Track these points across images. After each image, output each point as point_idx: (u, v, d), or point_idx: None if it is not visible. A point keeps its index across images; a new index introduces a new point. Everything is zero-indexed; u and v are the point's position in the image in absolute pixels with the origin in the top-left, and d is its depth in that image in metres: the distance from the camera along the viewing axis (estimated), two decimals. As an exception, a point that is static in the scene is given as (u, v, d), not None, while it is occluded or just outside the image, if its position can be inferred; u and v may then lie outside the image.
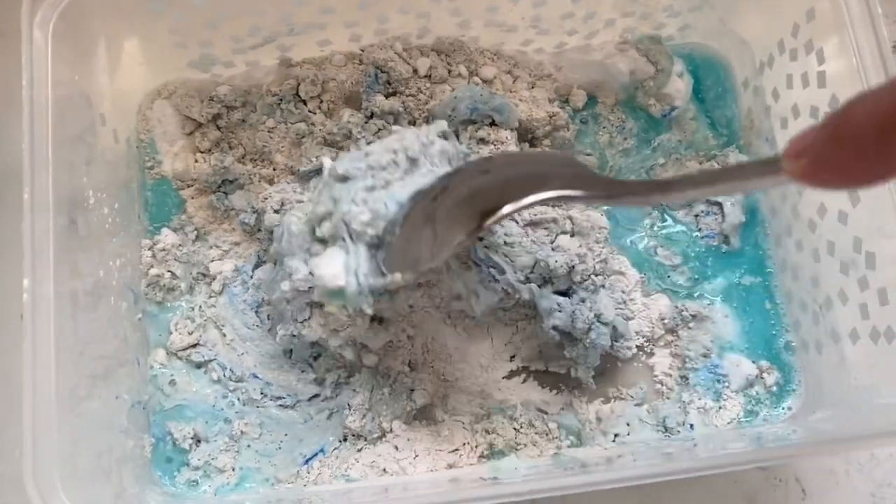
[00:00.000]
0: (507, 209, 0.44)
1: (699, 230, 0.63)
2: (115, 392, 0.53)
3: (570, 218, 0.58)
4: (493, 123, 0.59)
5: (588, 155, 0.63)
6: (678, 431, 0.58)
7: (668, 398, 0.59)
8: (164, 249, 0.60)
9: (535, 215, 0.57)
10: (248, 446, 0.57)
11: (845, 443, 0.50)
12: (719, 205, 0.62)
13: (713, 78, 0.65)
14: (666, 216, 0.63)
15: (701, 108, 0.65)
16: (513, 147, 0.59)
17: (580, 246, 0.56)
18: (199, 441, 0.57)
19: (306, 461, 0.57)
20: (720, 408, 0.59)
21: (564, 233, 0.57)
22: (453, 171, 0.51)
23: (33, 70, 0.48)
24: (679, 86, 0.64)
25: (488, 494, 0.45)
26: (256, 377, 0.58)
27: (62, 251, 0.48)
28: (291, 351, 0.58)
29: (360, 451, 0.56)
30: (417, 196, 0.49)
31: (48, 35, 0.49)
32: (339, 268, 0.48)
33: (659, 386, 0.59)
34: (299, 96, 0.61)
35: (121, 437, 0.53)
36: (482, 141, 0.58)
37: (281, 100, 0.61)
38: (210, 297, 0.60)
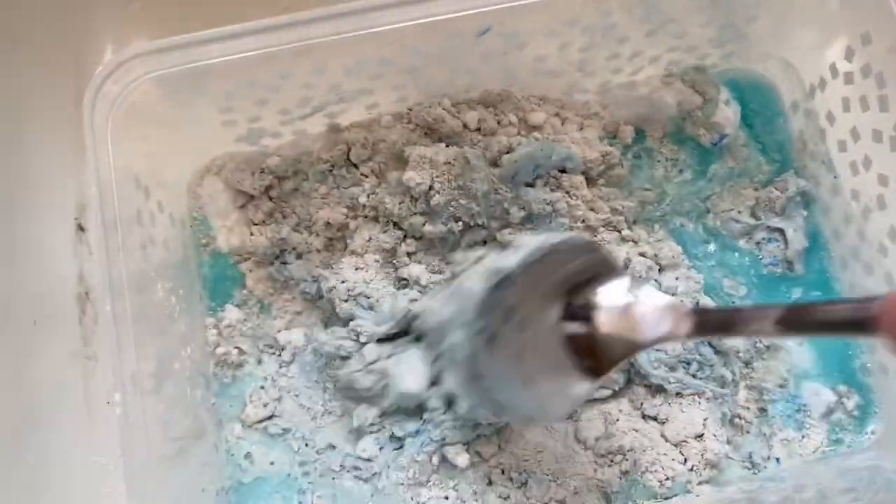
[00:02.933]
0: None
1: (762, 258, 0.62)
2: (201, 485, 0.52)
3: (655, 255, 0.59)
4: (563, 170, 0.59)
5: (647, 191, 0.62)
6: (765, 467, 0.57)
7: (747, 432, 0.58)
8: (229, 326, 0.59)
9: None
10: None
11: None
12: (781, 231, 0.62)
13: (759, 102, 0.65)
14: (728, 246, 0.63)
15: (751, 134, 0.64)
16: (585, 191, 0.59)
17: (677, 278, 0.59)
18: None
19: None
20: (803, 437, 0.58)
21: (652, 269, 0.59)
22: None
23: (97, 160, 0.48)
24: (727, 113, 0.63)
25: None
26: (334, 447, 0.58)
27: (140, 335, 0.48)
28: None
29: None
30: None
31: (107, 129, 0.49)
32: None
33: (737, 420, 0.58)
34: (350, 160, 0.60)
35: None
36: (557, 188, 0.59)
37: (332, 166, 0.60)
38: (281, 366, 0.59)
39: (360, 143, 0.60)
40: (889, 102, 0.53)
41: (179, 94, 0.52)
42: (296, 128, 0.60)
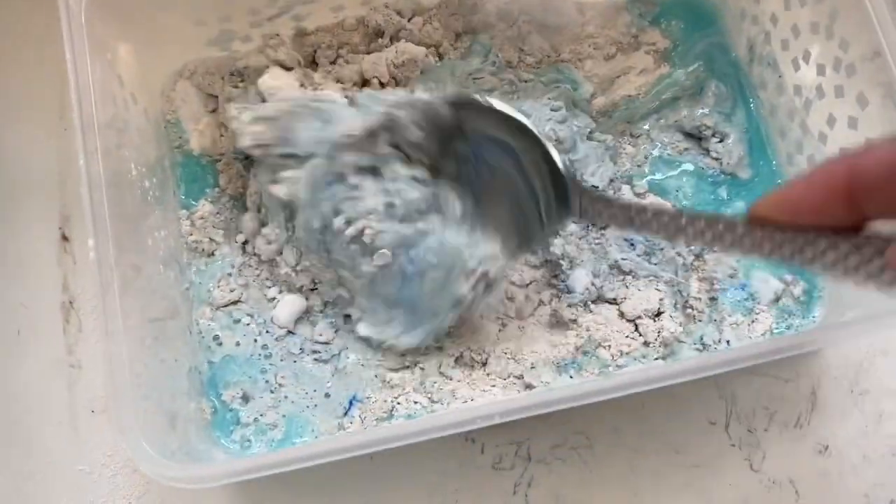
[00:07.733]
0: None
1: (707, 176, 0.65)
2: (174, 355, 0.55)
3: None
4: None
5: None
6: (715, 349, 0.60)
7: (699, 320, 0.61)
8: (202, 218, 0.62)
9: None
10: (286, 397, 0.59)
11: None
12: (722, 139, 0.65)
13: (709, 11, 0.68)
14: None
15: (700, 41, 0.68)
16: None
17: None
18: (247, 399, 0.58)
19: (346, 412, 0.58)
20: (753, 321, 0.61)
21: None
22: None
23: (74, 50, 0.50)
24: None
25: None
26: (293, 333, 0.60)
27: (115, 224, 0.49)
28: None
29: (401, 392, 0.58)
30: None
31: (82, 21, 0.51)
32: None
33: (689, 310, 0.61)
34: (317, 64, 0.63)
35: (184, 399, 0.55)
36: None
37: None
38: (250, 256, 0.62)
39: (325, 44, 0.62)
40: (825, -9, 0.56)
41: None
42: (264, 30, 0.62)
